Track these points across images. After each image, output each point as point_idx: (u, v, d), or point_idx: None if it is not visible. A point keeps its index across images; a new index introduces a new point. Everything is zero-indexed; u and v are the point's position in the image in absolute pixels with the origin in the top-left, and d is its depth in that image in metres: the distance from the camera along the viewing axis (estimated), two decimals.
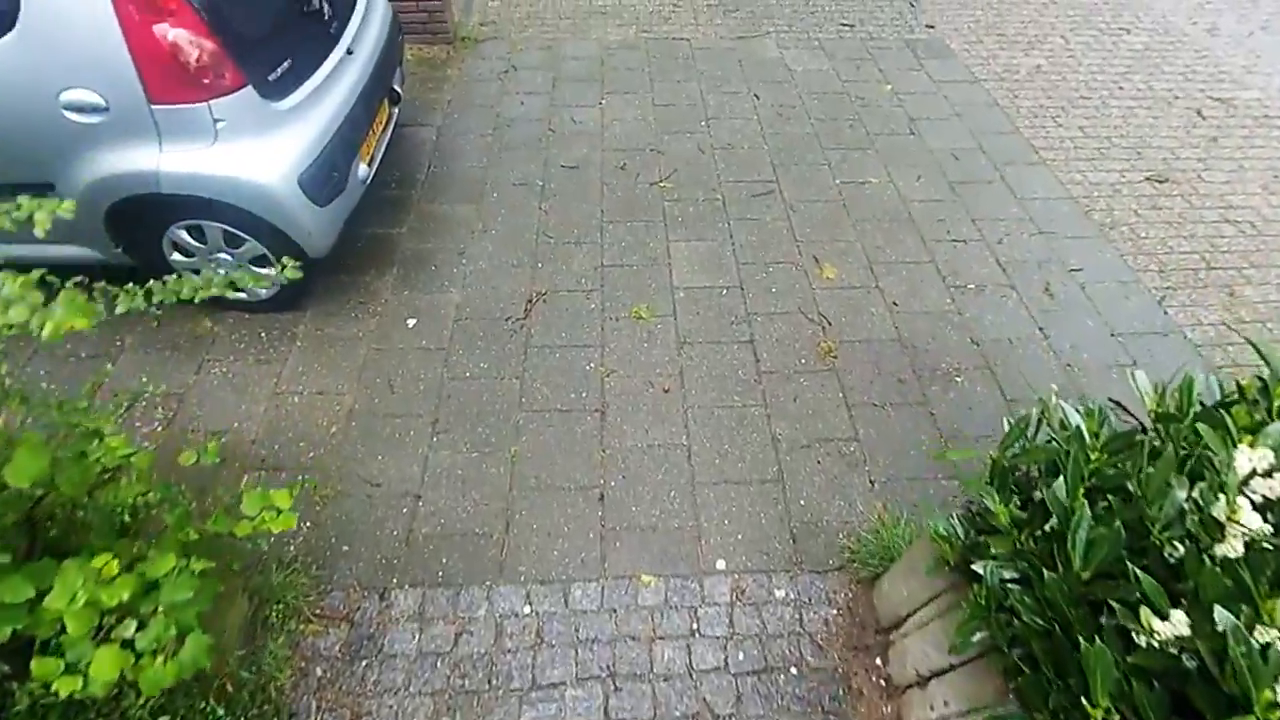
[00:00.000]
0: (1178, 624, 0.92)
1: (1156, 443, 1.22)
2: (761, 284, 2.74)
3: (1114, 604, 1.01)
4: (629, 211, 3.06)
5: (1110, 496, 1.15)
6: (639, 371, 2.42)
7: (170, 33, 1.82)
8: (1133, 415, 2.59)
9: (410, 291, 2.67)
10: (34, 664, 1.11)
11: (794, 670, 1.76)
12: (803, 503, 2.08)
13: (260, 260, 2.34)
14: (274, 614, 1.76)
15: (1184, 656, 0.93)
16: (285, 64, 2.12)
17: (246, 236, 2.24)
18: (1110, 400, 2.58)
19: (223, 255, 2.31)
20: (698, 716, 1.68)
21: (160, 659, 1.18)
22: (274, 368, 2.39)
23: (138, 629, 1.17)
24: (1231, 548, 0.95)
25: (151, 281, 1.35)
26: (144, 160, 1.98)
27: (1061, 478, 1.16)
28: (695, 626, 1.83)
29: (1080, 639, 1.02)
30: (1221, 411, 1.14)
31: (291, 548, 1.92)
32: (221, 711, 1.49)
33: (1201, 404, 1.23)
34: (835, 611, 1.87)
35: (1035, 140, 3.56)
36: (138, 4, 1.77)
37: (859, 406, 2.33)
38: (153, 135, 1.95)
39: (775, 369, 2.44)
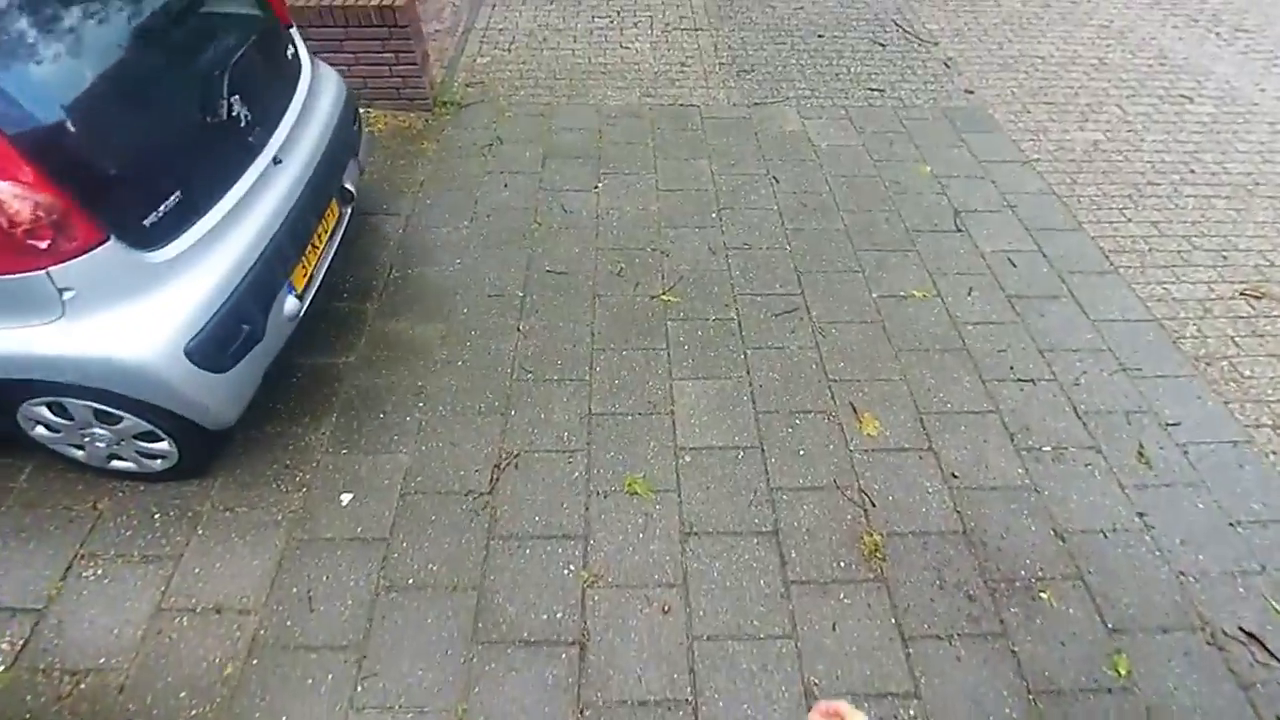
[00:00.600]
0: None
1: None
2: (787, 443, 2.22)
3: None
4: (625, 334, 2.55)
5: None
6: (632, 577, 1.89)
7: None
8: (1271, 652, 2.06)
9: (350, 450, 2.16)
10: None
11: None
12: None
13: (148, 435, 1.83)
14: None
15: None
16: (172, 199, 1.62)
17: (122, 414, 1.73)
18: (1242, 631, 2.06)
19: (98, 431, 1.80)
20: None
21: None
22: (163, 568, 1.86)
23: None
24: None
25: None
26: None
27: None
28: None
29: None
30: None
31: None
32: None
33: None
34: None
35: (1103, 240, 3.05)
36: None
37: (918, 640, 1.79)
38: None
39: (807, 576, 1.90)
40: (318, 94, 2.30)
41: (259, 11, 2.12)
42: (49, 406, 1.72)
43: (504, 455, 2.15)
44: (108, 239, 1.48)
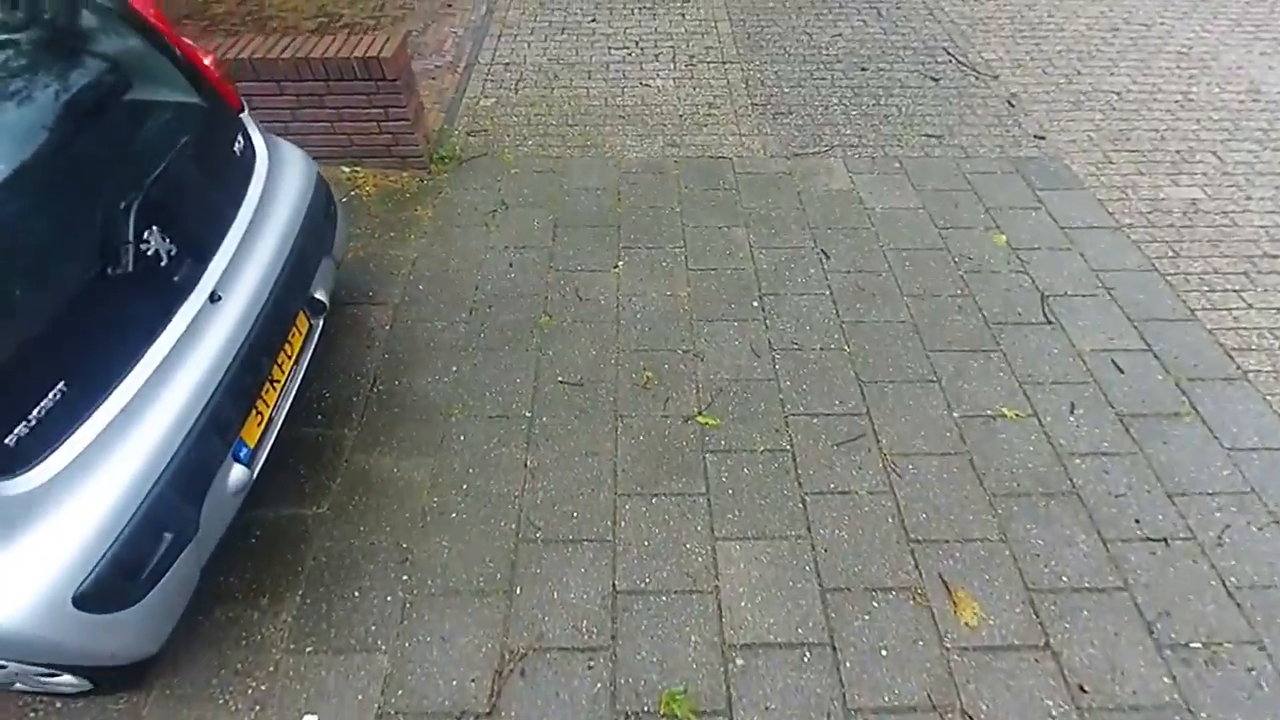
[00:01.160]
0: None
1: None
2: (864, 637, 1.75)
3: None
4: (655, 472, 2.09)
5: None
6: None
7: None
8: None
9: (316, 647, 1.72)
10: None
11: None
12: None
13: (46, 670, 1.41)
14: None
15: None
16: (51, 397, 1.19)
17: (3, 662, 1.31)
18: None
19: None
20: None
21: None
22: None
23: None
24: None
25: None
26: None
27: None
28: None
29: None
30: None
31: None
32: None
33: None
34: None
35: (1223, 334, 2.55)
36: None
37: None
38: None
39: None
40: (276, 192, 1.86)
41: (198, 99, 1.68)
42: None
43: (507, 656, 1.71)
44: None
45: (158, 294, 1.44)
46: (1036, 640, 1.75)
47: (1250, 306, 2.66)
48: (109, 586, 1.24)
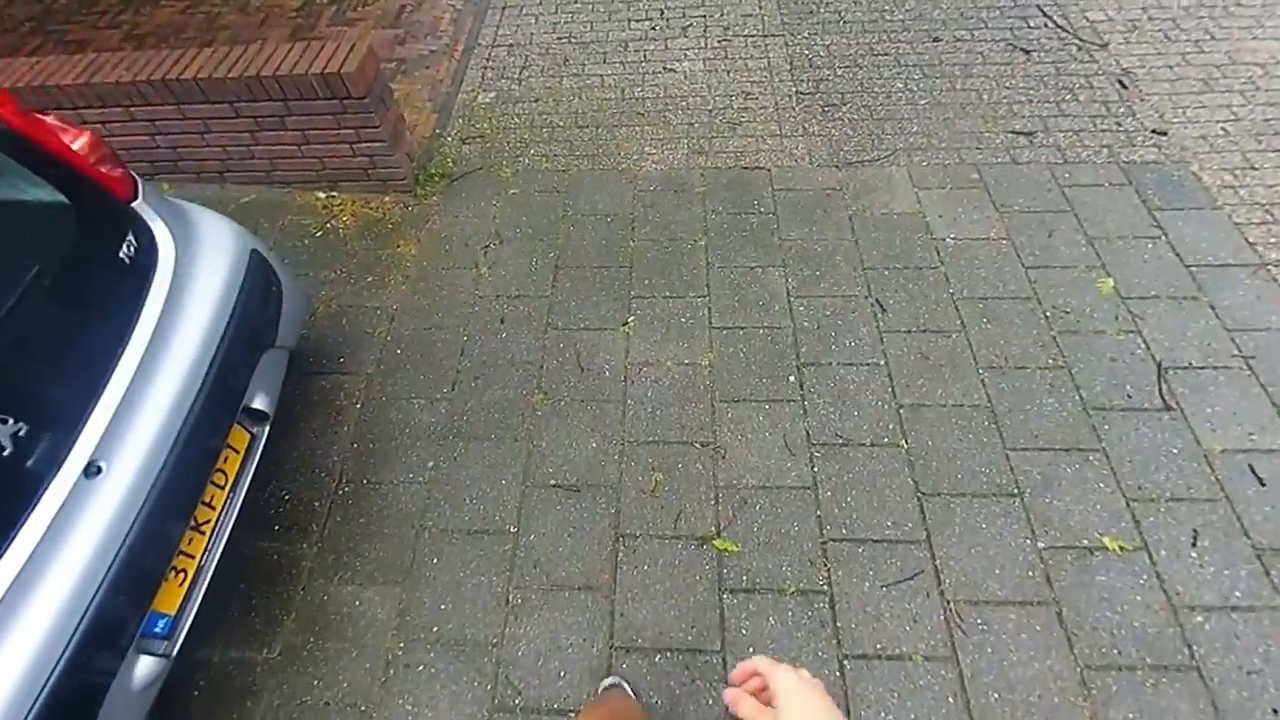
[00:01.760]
0: None
1: None
2: None
3: None
4: (660, 620, 1.72)
5: None
6: None
7: None
8: None
9: None
10: None
11: None
12: None
13: None
14: None
15: None
16: None
17: None
18: None
19: None
20: None
21: None
22: None
23: None
24: None
25: None
26: None
27: None
28: None
29: None
30: None
31: None
32: None
33: None
34: None
35: None
36: None
37: None
38: None
39: None
40: (189, 294, 1.49)
41: (64, 198, 1.30)
42: None
43: None
44: None
45: (3, 491, 1.12)
46: None
47: None
48: None
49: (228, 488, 1.61)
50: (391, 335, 2.33)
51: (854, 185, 2.71)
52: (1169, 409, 2.03)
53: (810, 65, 3.26)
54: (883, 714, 1.57)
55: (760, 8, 3.61)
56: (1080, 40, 3.27)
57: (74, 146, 1.32)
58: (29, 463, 1.15)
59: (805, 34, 3.44)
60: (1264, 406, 2.02)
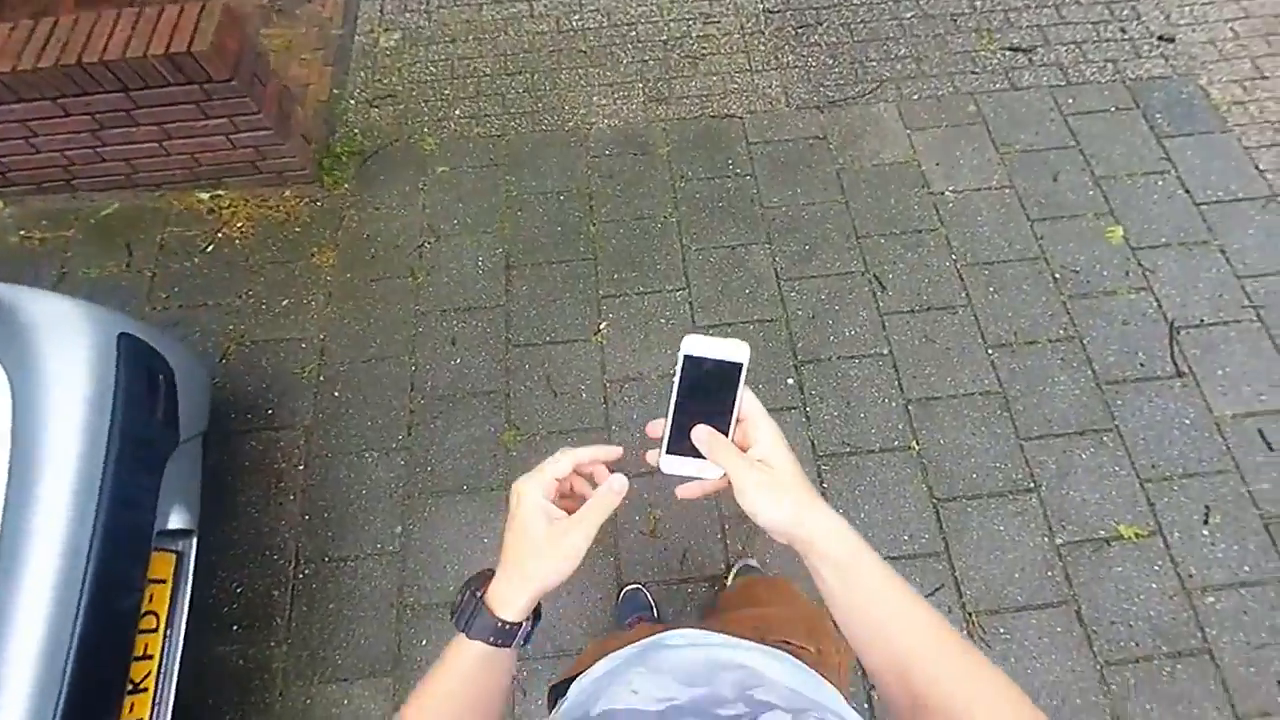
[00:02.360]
0: None
1: None
2: None
3: None
4: None
5: None
6: None
7: None
8: None
9: None
10: None
11: None
12: None
13: None
14: None
15: None
16: None
17: None
18: None
19: None
20: None
21: None
22: None
23: None
24: None
25: None
26: None
27: None
28: None
29: None
30: None
31: None
32: None
33: None
34: None
35: None
36: None
37: None
38: None
39: None
40: (40, 431, 1.13)
41: None
42: None
43: None
44: None
45: None
46: None
47: None
48: None
49: (162, 627, 1.36)
50: (324, 374, 1.99)
51: (839, 131, 2.37)
52: (1180, 374, 1.93)
53: None
54: None
55: None
56: None
57: None
58: None
59: None
60: (1274, 364, 1.93)
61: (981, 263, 2.11)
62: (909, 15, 2.60)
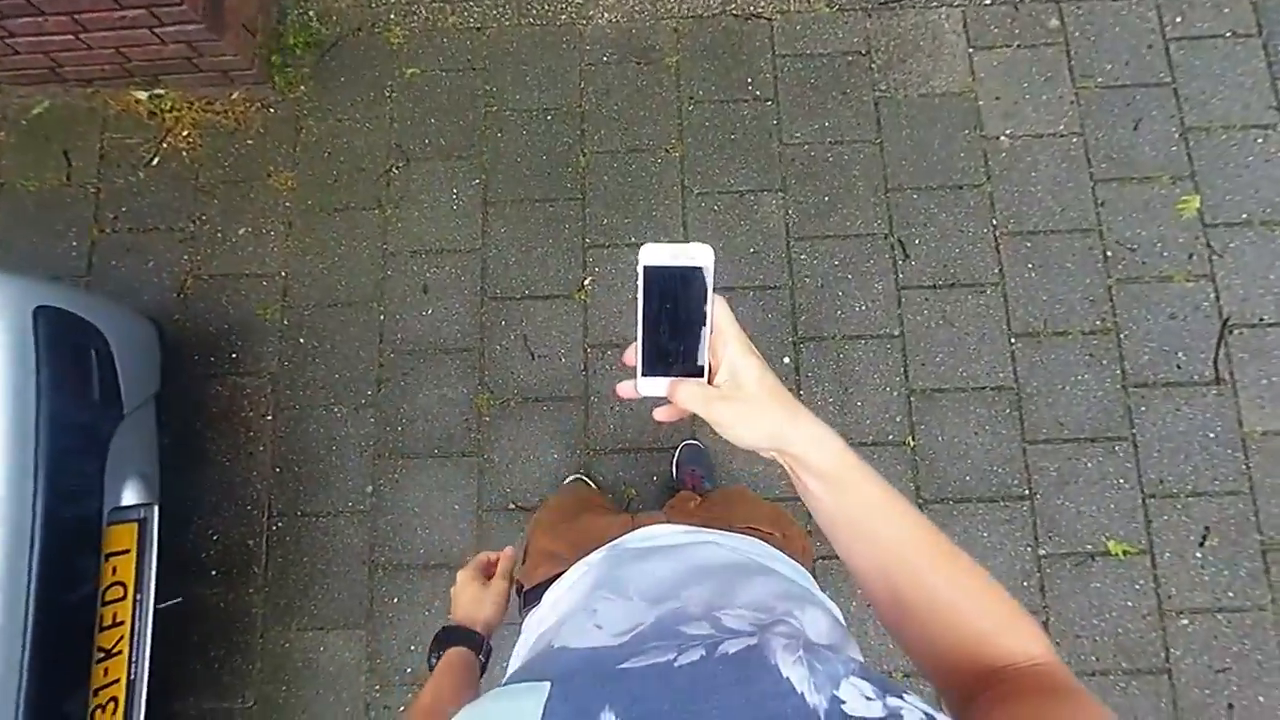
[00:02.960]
0: None
1: None
2: None
3: None
4: None
5: None
6: None
7: None
8: None
9: None
10: None
11: None
12: None
13: None
14: None
15: None
16: None
17: None
18: None
19: None
20: None
21: None
22: None
23: None
24: None
25: None
26: None
27: None
28: None
29: None
30: None
31: None
32: None
33: None
34: None
35: None
36: None
37: None
38: None
39: None
40: None
41: None
42: None
43: None
44: None
45: None
46: None
47: None
48: None
49: (130, 593, 1.38)
50: (288, 318, 1.85)
51: (886, 44, 1.95)
52: (1219, 381, 1.74)
53: None
54: None
55: None
56: None
57: None
58: None
59: None
60: None
61: (1025, 231, 1.83)
62: None
